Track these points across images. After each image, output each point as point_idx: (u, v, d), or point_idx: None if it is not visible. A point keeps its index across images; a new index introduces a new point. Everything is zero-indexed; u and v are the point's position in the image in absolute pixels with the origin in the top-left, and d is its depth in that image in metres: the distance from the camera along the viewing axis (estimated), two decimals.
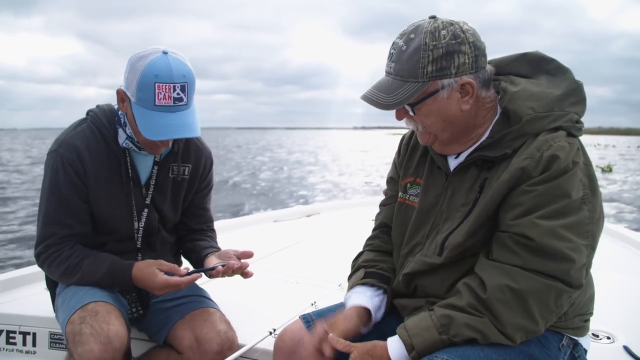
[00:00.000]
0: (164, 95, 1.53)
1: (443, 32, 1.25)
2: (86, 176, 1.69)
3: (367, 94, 1.35)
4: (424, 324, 1.25)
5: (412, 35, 1.28)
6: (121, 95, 1.63)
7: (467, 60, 1.27)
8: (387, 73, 1.34)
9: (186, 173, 1.87)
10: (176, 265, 1.69)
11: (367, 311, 1.44)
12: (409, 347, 1.23)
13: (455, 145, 1.39)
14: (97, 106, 1.80)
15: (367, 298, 1.45)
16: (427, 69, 1.26)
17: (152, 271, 1.64)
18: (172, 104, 1.55)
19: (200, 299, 1.84)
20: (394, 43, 1.32)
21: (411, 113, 1.34)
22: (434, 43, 1.25)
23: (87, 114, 1.78)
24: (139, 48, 1.59)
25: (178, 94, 1.55)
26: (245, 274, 1.72)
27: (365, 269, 1.54)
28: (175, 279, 1.63)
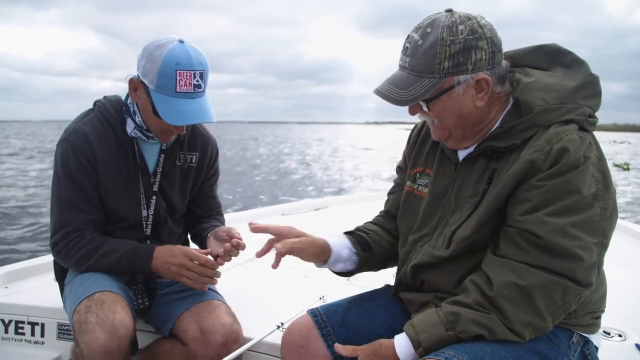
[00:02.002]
0: (185, 82, 1.57)
1: (461, 27, 1.23)
2: (96, 163, 1.72)
3: (380, 88, 1.33)
4: (431, 320, 1.24)
5: (428, 30, 1.25)
6: (134, 84, 1.66)
7: (484, 56, 1.24)
8: (402, 67, 1.31)
9: (193, 161, 1.90)
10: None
11: (331, 252, 1.50)
12: (416, 343, 1.22)
13: (469, 140, 1.37)
14: (105, 97, 1.82)
15: (339, 242, 1.53)
16: (443, 64, 1.24)
17: (174, 246, 1.74)
18: (192, 90, 1.59)
19: (206, 291, 1.85)
20: (409, 36, 1.29)
21: (425, 108, 1.32)
22: (452, 38, 1.22)
23: (94, 104, 1.81)
24: None
25: (197, 81, 1.59)
26: (238, 247, 1.76)
27: (356, 229, 1.62)
28: (195, 252, 1.72)
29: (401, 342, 1.25)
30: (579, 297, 1.21)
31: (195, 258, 1.70)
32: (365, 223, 1.69)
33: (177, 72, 1.55)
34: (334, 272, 1.60)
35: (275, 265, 1.41)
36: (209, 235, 1.89)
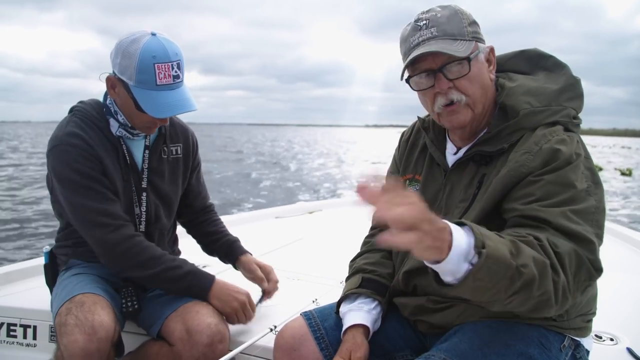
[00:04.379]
0: (164, 74, 1.59)
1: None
2: (100, 160, 1.71)
3: (428, 48, 1.24)
4: (497, 237, 1.04)
5: (438, 8, 1.29)
6: (112, 82, 1.67)
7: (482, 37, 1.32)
8: (429, 38, 1.26)
9: (179, 152, 1.93)
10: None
11: (366, 327, 1.42)
12: (480, 242, 0.98)
13: (474, 133, 1.37)
14: (81, 102, 1.82)
15: (364, 314, 1.43)
16: (468, 28, 1.28)
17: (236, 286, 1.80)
18: (172, 82, 1.61)
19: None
20: (418, 19, 1.28)
21: (467, 69, 1.26)
22: (463, 11, 1.29)
23: (71, 110, 1.79)
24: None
25: (175, 71, 1.62)
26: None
27: (362, 275, 1.51)
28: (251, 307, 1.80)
29: (459, 234, 1.00)
30: (590, 282, 1.15)
31: (252, 306, 1.80)
32: (364, 256, 1.59)
33: (155, 65, 1.57)
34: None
35: None
36: (239, 257, 1.98)
